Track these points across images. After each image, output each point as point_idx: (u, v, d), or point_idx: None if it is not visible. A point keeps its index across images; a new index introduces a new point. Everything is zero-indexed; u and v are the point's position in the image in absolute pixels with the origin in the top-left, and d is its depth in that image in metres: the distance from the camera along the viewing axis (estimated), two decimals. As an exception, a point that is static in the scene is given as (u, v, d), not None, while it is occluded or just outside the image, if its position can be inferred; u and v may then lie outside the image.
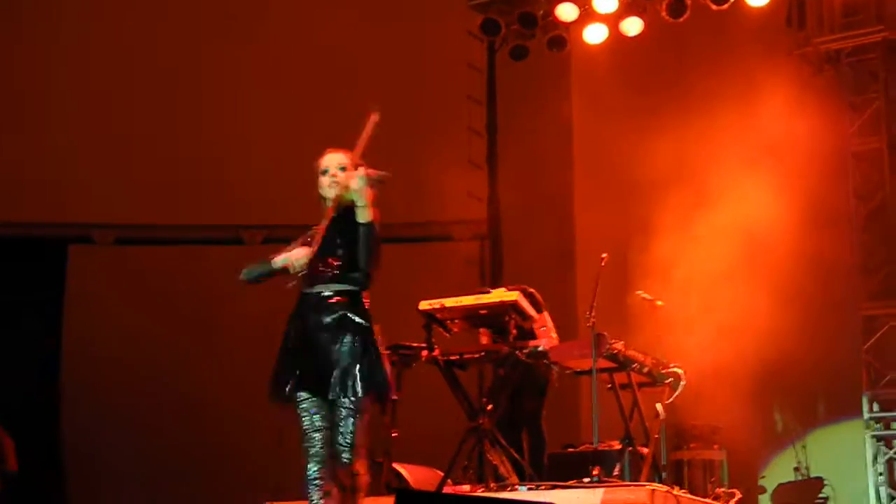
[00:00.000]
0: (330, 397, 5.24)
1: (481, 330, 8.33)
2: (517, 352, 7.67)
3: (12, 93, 13.53)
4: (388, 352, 6.83)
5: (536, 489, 7.04)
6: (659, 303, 8.43)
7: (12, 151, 13.45)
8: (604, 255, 7.92)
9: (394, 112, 13.52)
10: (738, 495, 8.85)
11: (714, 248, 9.40)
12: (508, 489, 7.21)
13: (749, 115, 10.12)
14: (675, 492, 7.04)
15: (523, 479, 7.67)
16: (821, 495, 10.22)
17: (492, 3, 12.23)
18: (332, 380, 5.22)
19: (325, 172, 5.50)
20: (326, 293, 5.36)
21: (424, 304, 7.80)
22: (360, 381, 5.24)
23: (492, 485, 7.57)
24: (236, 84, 13.67)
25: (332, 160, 5.51)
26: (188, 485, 12.18)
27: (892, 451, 10.60)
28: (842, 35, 10.95)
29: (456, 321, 7.92)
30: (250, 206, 13.46)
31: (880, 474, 10.55)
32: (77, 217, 13.86)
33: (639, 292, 8.48)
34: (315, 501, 5.24)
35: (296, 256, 5.34)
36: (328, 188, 5.42)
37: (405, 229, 12.32)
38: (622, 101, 11.66)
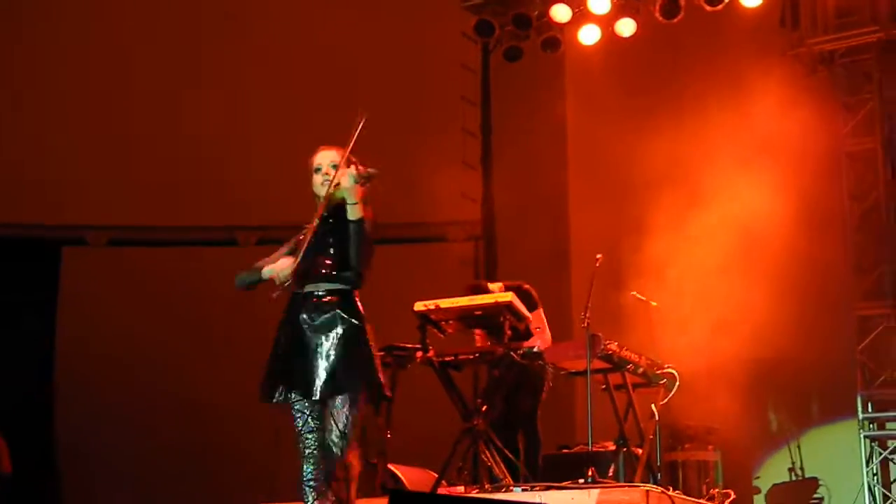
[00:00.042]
0: (318, 397, 5.23)
1: (476, 331, 8.33)
2: (512, 353, 7.67)
3: (9, 93, 13.52)
4: (381, 353, 6.84)
5: (531, 490, 7.03)
6: (653, 303, 8.45)
7: (6, 152, 13.43)
8: (598, 256, 7.93)
9: (388, 113, 13.63)
10: (733, 496, 8.85)
11: (708, 249, 9.40)
12: (503, 490, 7.20)
13: (743, 115, 10.12)
14: (669, 492, 7.04)
15: (518, 479, 7.67)
16: (815, 496, 10.23)
17: (486, 4, 12.22)
18: (322, 379, 5.21)
19: (317, 170, 5.49)
20: (318, 292, 5.35)
21: (419, 305, 7.79)
22: (351, 377, 5.23)
23: (486, 486, 7.56)
24: (232, 84, 13.66)
25: (325, 158, 5.50)
26: (184, 486, 12.17)
27: (886, 452, 10.60)
28: (836, 36, 10.94)
29: (450, 322, 7.91)
30: (245, 206, 13.46)
31: (874, 474, 10.54)
32: (71, 219, 13.86)
33: (633, 293, 8.49)
34: (310, 502, 5.24)
35: (280, 268, 5.33)
36: (321, 186, 5.41)
37: (399, 230, 12.32)
38: (616, 101, 11.67)
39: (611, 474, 7.66)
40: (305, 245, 5.25)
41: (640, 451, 7.79)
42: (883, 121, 10.96)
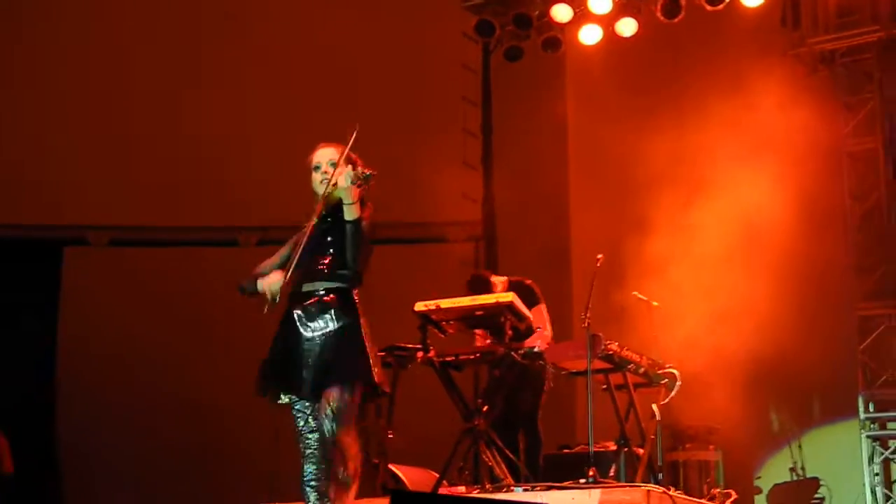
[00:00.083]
0: (310, 392, 5.21)
1: (477, 331, 8.33)
2: (513, 353, 7.67)
3: (13, 93, 13.52)
4: (382, 353, 6.85)
5: (532, 490, 7.03)
6: (654, 303, 8.44)
7: (6, 152, 13.43)
8: (599, 256, 7.92)
9: (389, 113, 13.64)
10: (734, 496, 8.85)
11: (709, 248, 9.40)
12: (504, 490, 7.20)
13: (744, 115, 10.11)
14: (670, 493, 7.03)
15: (518, 479, 7.66)
16: (816, 496, 10.22)
17: (486, 4, 12.21)
18: (313, 376, 5.20)
19: (317, 168, 5.49)
20: (317, 291, 5.35)
21: (420, 306, 7.79)
22: (341, 366, 5.20)
23: (487, 486, 7.56)
24: (237, 84, 13.66)
25: (324, 156, 5.49)
26: (185, 486, 12.17)
27: (887, 452, 10.60)
28: (836, 35, 10.94)
29: (451, 322, 7.92)
30: (246, 207, 13.46)
31: (876, 475, 10.54)
32: (72, 219, 13.86)
33: (634, 293, 8.48)
34: (311, 502, 5.23)
35: (269, 282, 5.32)
36: (320, 185, 5.41)
37: (400, 230, 12.32)
38: (617, 101, 11.66)
39: (612, 474, 7.65)
40: (297, 256, 5.24)
41: (641, 450, 7.78)
42: (884, 120, 10.96)
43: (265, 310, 5.24)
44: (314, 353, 5.24)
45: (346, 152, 5.32)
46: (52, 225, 13.84)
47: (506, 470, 7.68)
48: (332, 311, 5.30)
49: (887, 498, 10.49)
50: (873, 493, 10.49)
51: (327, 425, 5.16)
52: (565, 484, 7.02)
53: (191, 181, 13.55)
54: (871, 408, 10.68)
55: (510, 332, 7.69)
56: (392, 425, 8.10)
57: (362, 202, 5.29)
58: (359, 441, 5.31)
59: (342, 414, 5.15)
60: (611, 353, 7.52)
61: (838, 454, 10.77)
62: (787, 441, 10.71)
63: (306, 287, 5.37)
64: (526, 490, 7.07)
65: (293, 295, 5.38)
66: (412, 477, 8.06)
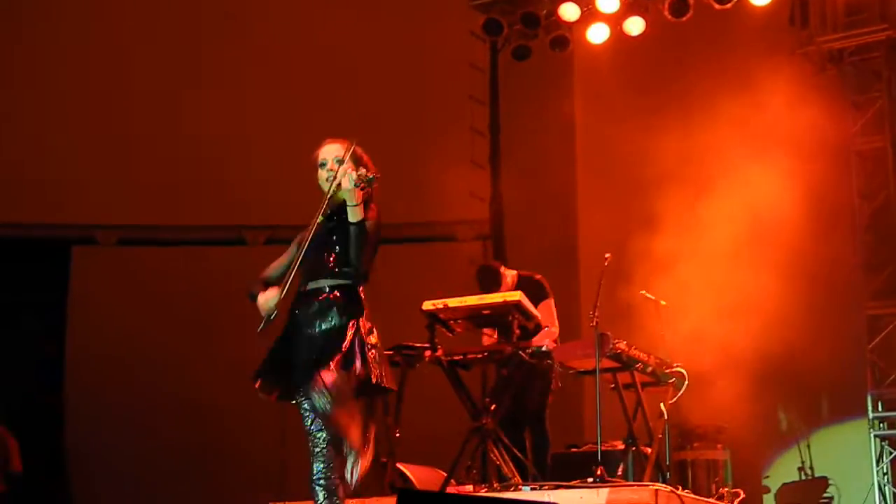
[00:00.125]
0: (298, 378, 5.20)
1: (484, 330, 8.33)
2: (520, 352, 7.67)
3: (13, 93, 13.54)
4: (390, 352, 6.83)
5: (540, 489, 7.03)
6: (662, 302, 8.43)
7: (12, 152, 13.46)
8: (607, 256, 7.92)
9: (396, 112, 13.64)
10: (742, 495, 8.83)
11: (717, 247, 9.39)
12: (512, 489, 7.20)
13: (752, 114, 10.09)
14: (678, 492, 7.03)
15: (526, 478, 7.66)
16: (825, 495, 10.20)
17: (494, 3, 12.21)
18: (306, 362, 5.19)
19: (322, 165, 5.47)
20: (322, 288, 5.34)
21: (428, 305, 7.80)
22: (328, 351, 5.18)
23: (495, 485, 7.56)
24: (237, 84, 13.67)
25: (329, 153, 5.48)
26: (192, 486, 12.19)
27: (896, 451, 10.59)
28: (845, 34, 10.92)
29: (459, 321, 7.92)
30: (253, 206, 13.47)
31: (885, 474, 10.53)
32: (80, 218, 13.88)
33: (642, 292, 8.48)
34: (320, 501, 5.23)
35: (264, 300, 5.31)
36: (325, 182, 5.40)
37: (408, 229, 12.35)
38: (625, 100, 11.65)
39: (620, 473, 7.65)
40: (297, 262, 5.22)
41: (649, 450, 7.77)
42: (893, 119, 10.95)
43: (259, 328, 5.22)
44: (315, 347, 5.23)
45: (347, 158, 5.30)
46: (60, 224, 13.86)
47: (513, 469, 7.68)
48: (336, 308, 5.30)
49: (896, 497, 10.49)
50: (882, 492, 10.48)
51: (319, 401, 5.13)
52: (573, 483, 7.02)
53: (197, 180, 13.57)
54: (879, 407, 10.67)
55: (518, 331, 7.70)
56: (400, 424, 8.10)
57: (367, 203, 5.28)
58: (362, 427, 5.26)
59: (333, 390, 5.12)
60: (619, 352, 7.52)
61: (847, 453, 10.75)
62: (795, 440, 10.69)
63: (312, 285, 5.36)
64: (534, 489, 7.07)
65: (299, 293, 5.38)
66: (420, 476, 8.06)
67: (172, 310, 13.14)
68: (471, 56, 12.89)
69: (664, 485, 7.14)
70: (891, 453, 10.58)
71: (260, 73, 13.61)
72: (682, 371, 7.89)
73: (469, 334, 8.28)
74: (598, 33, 11.98)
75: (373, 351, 5.31)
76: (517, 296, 7.74)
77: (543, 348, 7.81)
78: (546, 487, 7.05)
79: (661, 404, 7.85)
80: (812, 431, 10.84)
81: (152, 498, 12.46)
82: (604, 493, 6.61)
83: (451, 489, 7.49)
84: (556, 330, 8.30)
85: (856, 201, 10.96)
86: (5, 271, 13.39)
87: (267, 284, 5.42)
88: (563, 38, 12.20)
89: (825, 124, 10.13)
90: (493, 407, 7.66)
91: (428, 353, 7.82)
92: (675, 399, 7.92)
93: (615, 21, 11.86)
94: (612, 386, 7.81)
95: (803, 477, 10.45)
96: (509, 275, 8.52)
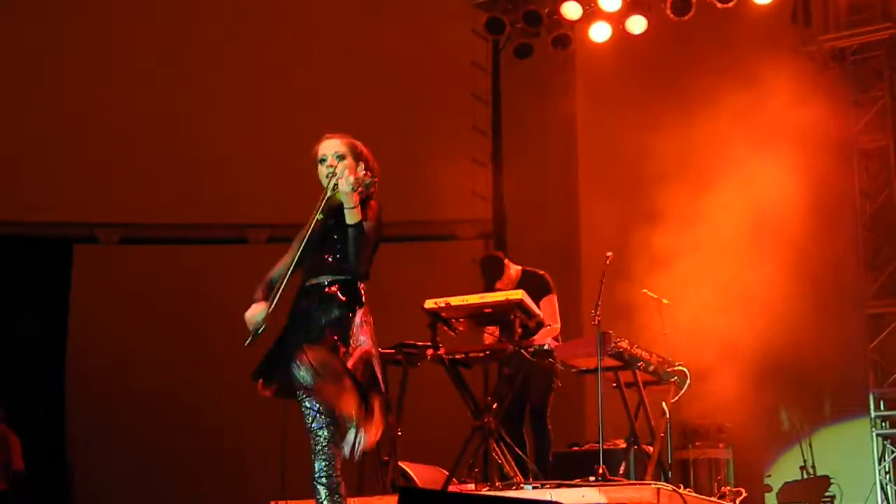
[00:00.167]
0: (287, 357, 5.19)
1: (486, 328, 8.33)
2: (522, 350, 7.66)
3: (14, 91, 13.54)
4: (391, 350, 6.80)
5: (542, 488, 7.02)
6: (664, 301, 8.42)
7: (15, 149, 13.46)
8: (608, 254, 7.91)
9: (398, 111, 13.59)
10: (744, 494, 8.83)
11: (719, 245, 9.39)
12: (514, 488, 7.20)
13: (754, 112, 10.09)
14: (680, 490, 7.02)
15: (527, 476, 7.66)
16: (827, 494, 10.20)
17: (496, 1, 12.21)
18: (294, 343, 5.18)
19: (322, 161, 5.45)
20: (322, 283, 5.34)
21: (430, 303, 7.79)
22: (320, 335, 5.17)
23: (497, 483, 7.56)
24: (242, 82, 13.68)
25: (329, 148, 5.45)
26: (193, 485, 12.20)
27: (898, 450, 10.59)
28: (847, 33, 10.93)
29: (461, 320, 7.91)
30: (255, 204, 13.47)
31: (887, 473, 10.52)
32: (81, 216, 13.88)
33: (644, 290, 8.47)
34: (322, 499, 5.22)
35: (251, 315, 5.30)
36: (325, 178, 5.38)
37: (410, 228, 12.34)
38: (627, 99, 11.65)
39: (622, 472, 7.63)
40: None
41: (651, 448, 7.76)
42: (895, 118, 10.93)
43: (246, 342, 5.21)
44: (310, 332, 5.22)
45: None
46: (61, 222, 13.86)
47: (515, 467, 7.67)
48: (336, 301, 5.29)
49: (898, 496, 10.48)
50: (884, 491, 10.47)
51: (300, 374, 5.11)
52: (575, 482, 7.01)
53: (198, 179, 13.57)
54: (882, 406, 10.66)
55: (520, 330, 7.69)
56: (402, 423, 8.09)
57: (367, 201, 5.27)
58: (358, 398, 5.21)
59: (316, 364, 5.09)
60: (621, 350, 7.51)
61: (849, 452, 10.75)
62: (797, 439, 10.70)
63: (312, 281, 5.36)
64: (536, 488, 7.07)
65: (300, 290, 5.37)
66: (422, 474, 8.06)
67: (174, 308, 13.14)
68: (473, 54, 12.90)
69: (666, 484, 7.13)
70: (893, 452, 10.57)
71: (261, 70, 13.61)
72: (684, 370, 7.88)
73: (470, 333, 8.27)
74: (599, 32, 11.98)
75: (363, 345, 5.31)
76: (519, 294, 7.73)
77: (545, 347, 7.80)
78: (548, 486, 7.05)
79: (663, 403, 7.84)
80: (814, 430, 10.84)
81: (153, 497, 12.46)
82: (606, 492, 6.61)
83: (452, 488, 7.49)
84: (557, 326, 8.30)
85: (858, 200, 10.95)
86: (6, 269, 13.40)
87: (270, 285, 5.41)
88: (565, 37, 12.21)
89: (827, 123, 10.13)
90: (494, 406, 7.66)
91: (430, 351, 7.81)
92: (677, 398, 7.91)
93: (617, 20, 11.86)
94: (614, 384, 7.79)
95: (805, 476, 10.46)
96: (514, 269, 8.55)
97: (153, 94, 13.56)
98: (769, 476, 10.63)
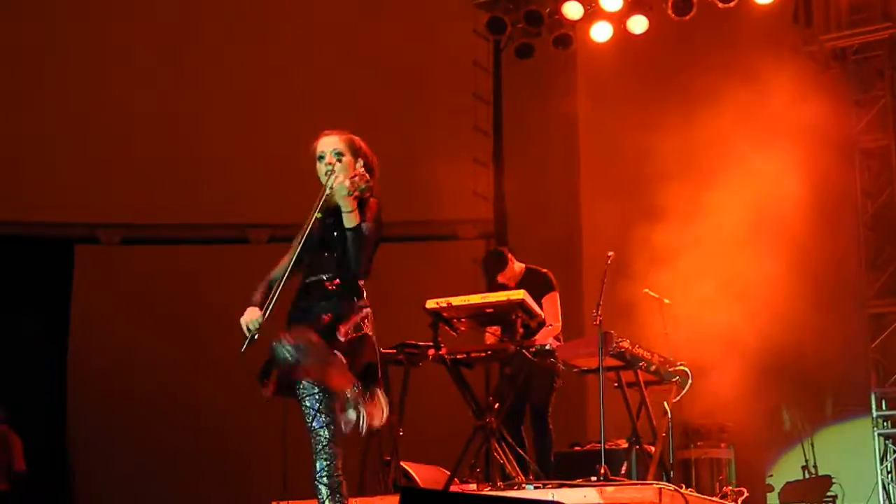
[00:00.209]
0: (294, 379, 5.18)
1: (487, 328, 8.32)
2: (524, 350, 7.66)
3: (16, 92, 13.54)
4: (393, 350, 6.77)
5: (543, 488, 7.02)
6: (666, 300, 8.42)
7: (16, 150, 13.45)
8: (610, 254, 7.91)
9: (399, 110, 13.59)
10: (746, 494, 8.82)
11: (721, 244, 9.39)
12: (515, 488, 7.19)
13: (755, 112, 10.09)
14: (682, 490, 7.01)
15: (528, 476, 7.66)
16: (829, 494, 10.19)
17: (497, 1, 12.20)
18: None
19: (321, 158, 5.43)
20: (320, 280, 5.33)
21: (431, 303, 7.78)
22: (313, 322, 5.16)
23: (499, 483, 7.55)
24: (242, 82, 13.67)
25: (327, 145, 5.44)
26: (194, 485, 12.19)
27: (900, 449, 10.58)
28: (849, 32, 10.93)
29: (462, 320, 7.91)
30: (255, 204, 13.46)
31: (889, 472, 10.52)
32: (83, 217, 13.88)
33: (646, 290, 8.47)
34: (323, 499, 5.21)
35: (247, 320, 5.29)
36: (324, 175, 5.37)
37: (411, 228, 12.34)
38: (628, 99, 11.64)
39: (623, 472, 7.63)
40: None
41: (652, 448, 7.76)
42: (896, 117, 10.95)
43: (242, 348, 5.19)
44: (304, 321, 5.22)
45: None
46: (62, 223, 13.86)
47: (517, 467, 7.67)
48: (335, 296, 5.28)
49: (900, 496, 10.48)
50: (886, 490, 10.46)
51: (281, 352, 5.10)
52: (577, 481, 7.01)
53: (199, 179, 13.57)
54: (883, 405, 10.66)
55: (521, 330, 7.68)
56: (403, 423, 8.09)
57: (365, 201, 5.25)
58: (346, 373, 5.19)
59: (300, 342, 5.08)
60: (622, 350, 7.50)
61: (851, 452, 10.74)
62: (799, 439, 10.69)
63: (312, 279, 5.35)
64: (537, 488, 7.06)
65: (300, 289, 5.36)
66: (423, 475, 8.05)
67: (175, 308, 13.14)
68: (474, 54, 12.90)
69: (668, 483, 7.13)
70: (894, 452, 10.56)
71: (261, 70, 13.60)
72: (686, 369, 7.88)
73: (472, 333, 8.27)
74: (601, 32, 11.97)
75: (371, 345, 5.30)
76: (521, 294, 7.73)
77: (547, 347, 7.80)
78: (550, 486, 7.04)
79: (665, 403, 7.84)
80: (816, 430, 10.84)
81: (154, 497, 12.46)
82: (607, 491, 6.60)
83: (454, 488, 7.48)
84: (559, 326, 8.30)
85: (859, 199, 10.95)
86: (7, 270, 13.39)
87: (270, 286, 5.39)
88: (567, 37, 12.20)
89: (829, 122, 10.13)
90: (496, 406, 7.65)
91: (431, 351, 7.81)
92: (678, 397, 7.91)
93: (618, 19, 11.85)
94: (616, 384, 7.79)
95: (807, 476, 10.46)
96: (517, 264, 8.57)
97: (153, 94, 13.55)
98: (771, 476, 10.62)
